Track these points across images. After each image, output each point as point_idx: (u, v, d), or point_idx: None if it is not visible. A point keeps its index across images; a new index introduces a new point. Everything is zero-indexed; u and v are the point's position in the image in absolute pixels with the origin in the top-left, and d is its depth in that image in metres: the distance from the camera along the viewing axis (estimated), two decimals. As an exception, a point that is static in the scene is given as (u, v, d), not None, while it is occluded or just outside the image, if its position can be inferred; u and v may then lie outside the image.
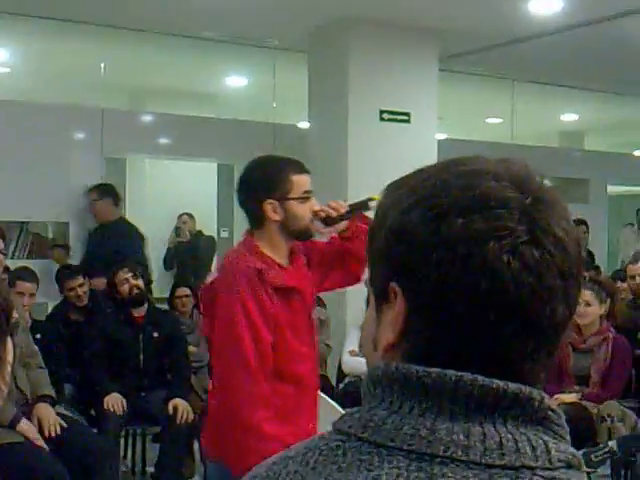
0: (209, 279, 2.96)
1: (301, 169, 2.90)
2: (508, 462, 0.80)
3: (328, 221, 2.94)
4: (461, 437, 0.81)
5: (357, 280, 3.18)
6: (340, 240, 3.05)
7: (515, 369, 0.85)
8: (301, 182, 2.86)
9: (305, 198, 2.86)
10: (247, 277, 2.74)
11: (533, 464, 0.81)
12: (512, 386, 0.83)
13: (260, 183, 2.86)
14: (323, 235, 3.12)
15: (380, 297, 0.91)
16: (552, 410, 0.86)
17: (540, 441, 0.83)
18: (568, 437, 0.87)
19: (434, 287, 0.85)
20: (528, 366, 0.86)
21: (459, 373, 0.82)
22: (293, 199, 2.83)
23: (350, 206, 3.00)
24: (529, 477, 0.80)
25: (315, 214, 2.91)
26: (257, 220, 2.87)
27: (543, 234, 0.84)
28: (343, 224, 3.00)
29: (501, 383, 0.83)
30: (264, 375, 2.74)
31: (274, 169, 2.88)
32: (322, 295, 6.60)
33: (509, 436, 0.82)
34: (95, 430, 5.21)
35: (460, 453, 0.80)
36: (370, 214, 3.06)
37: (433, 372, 0.83)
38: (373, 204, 2.98)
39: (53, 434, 4.51)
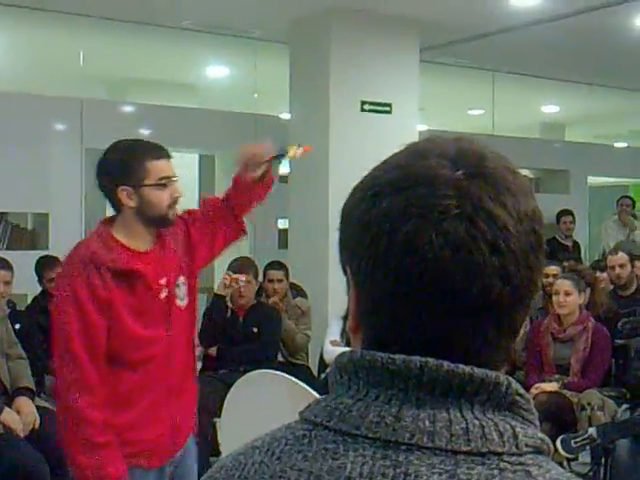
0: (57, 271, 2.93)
1: (159, 154, 2.81)
2: (474, 448, 0.79)
3: (255, 162, 3.00)
4: (427, 423, 0.80)
5: (237, 235, 3.21)
6: (252, 182, 3.04)
7: (464, 352, 0.83)
8: (158, 168, 2.77)
9: (161, 185, 2.78)
10: (82, 261, 2.69)
11: (500, 450, 0.80)
12: (478, 371, 0.81)
13: (115, 169, 2.78)
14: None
15: (346, 280, 0.91)
16: (520, 395, 0.84)
17: (507, 426, 0.81)
18: (537, 422, 0.86)
19: (367, 267, 0.85)
20: (476, 348, 0.84)
21: (424, 359, 0.81)
22: (148, 186, 2.76)
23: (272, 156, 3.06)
24: (496, 463, 0.79)
25: (243, 154, 2.99)
26: (113, 205, 2.81)
27: (473, 209, 0.82)
28: (263, 168, 3.03)
29: (467, 368, 0.81)
30: (94, 361, 2.68)
31: (129, 155, 2.79)
32: (304, 286, 6.63)
33: (475, 422, 0.80)
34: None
35: (426, 440, 0.79)
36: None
37: (398, 358, 0.82)
38: (290, 154, 3.10)
39: (31, 427, 4.49)
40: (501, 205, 0.83)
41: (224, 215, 3.10)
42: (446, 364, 0.81)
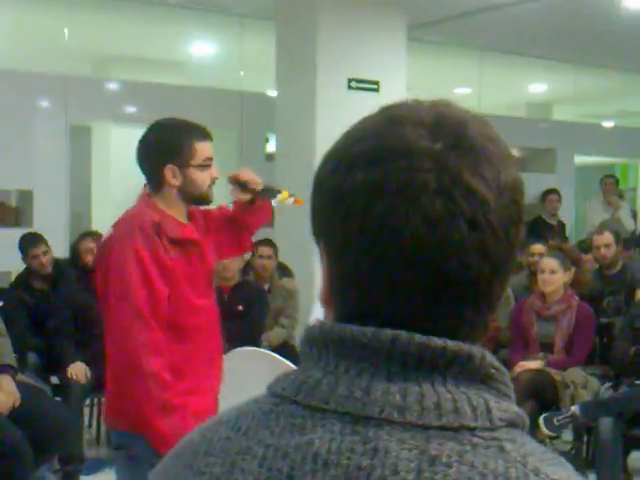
0: (104, 236, 2.92)
1: (204, 136, 2.86)
2: (446, 423, 0.77)
3: (246, 190, 2.98)
4: (397, 398, 0.78)
5: (242, 251, 3.35)
6: (242, 211, 3.09)
7: (438, 328, 0.80)
8: (203, 149, 2.83)
9: (206, 165, 2.84)
10: (142, 229, 2.73)
11: (472, 424, 0.78)
12: (451, 344, 0.79)
13: (161, 148, 2.83)
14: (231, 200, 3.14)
15: (319, 253, 0.89)
16: (495, 368, 0.82)
17: (481, 400, 0.79)
18: (512, 395, 0.84)
19: (340, 243, 0.83)
20: (451, 324, 0.81)
21: (396, 331, 0.79)
22: (194, 166, 2.81)
23: (265, 186, 3.05)
24: (468, 438, 0.77)
25: (237, 176, 2.96)
26: (156, 183, 2.85)
27: (451, 183, 0.79)
28: (247, 197, 3.03)
29: (439, 340, 0.79)
30: (159, 326, 2.73)
31: (177, 134, 2.84)
32: (291, 265, 6.61)
33: (448, 395, 0.78)
34: (59, 399, 5.19)
35: (396, 415, 0.77)
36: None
37: (368, 331, 0.80)
38: (279, 197, 3.05)
39: (13, 405, 4.46)
40: (481, 178, 0.80)
41: (233, 229, 3.14)
42: (418, 337, 0.79)
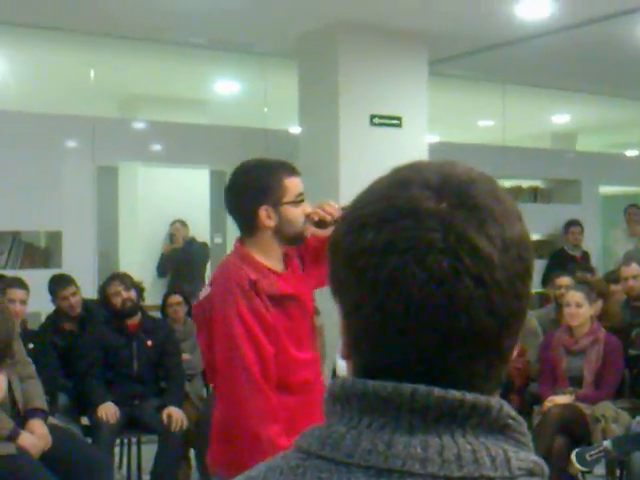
0: (202, 294, 2.83)
1: (292, 171, 2.80)
2: (467, 473, 0.80)
3: (322, 225, 2.85)
4: (419, 450, 0.80)
5: None
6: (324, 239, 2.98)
7: (454, 382, 0.83)
8: (294, 185, 2.77)
9: (299, 201, 2.78)
10: (241, 288, 2.66)
11: (492, 474, 0.80)
12: (469, 396, 0.82)
13: (253, 189, 2.74)
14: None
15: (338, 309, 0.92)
16: (512, 417, 0.85)
17: (500, 450, 0.82)
18: (531, 444, 0.87)
19: (354, 299, 0.86)
20: (466, 378, 0.84)
21: (415, 385, 0.82)
22: (287, 203, 2.75)
23: (342, 209, 2.91)
24: None
25: (308, 217, 2.82)
26: (250, 227, 2.78)
27: (457, 242, 0.82)
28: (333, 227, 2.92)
29: (457, 393, 0.82)
30: (270, 387, 2.67)
31: (266, 173, 2.76)
32: (316, 302, 6.62)
33: (467, 447, 0.81)
34: (89, 440, 5.22)
35: (418, 467, 0.80)
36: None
37: (388, 386, 0.83)
38: None
39: (45, 449, 4.50)
40: (485, 236, 0.83)
41: (317, 260, 3.03)
42: (437, 390, 0.82)
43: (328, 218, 2.84)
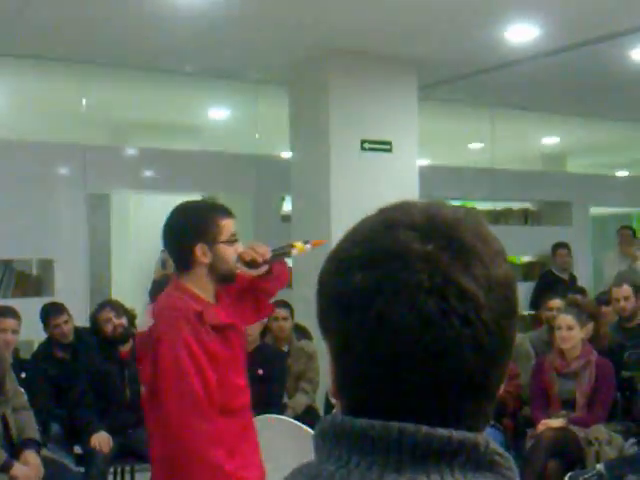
0: (144, 324, 2.96)
1: (227, 213, 3.00)
2: None
3: (252, 265, 3.04)
4: None
5: (264, 316, 3.54)
6: (258, 280, 3.17)
7: (442, 420, 0.84)
8: (228, 226, 2.97)
9: (233, 241, 2.97)
10: (187, 319, 2.83)
11: None
12: (456, 434, 0.83)
13: (191, 228, 2.95)
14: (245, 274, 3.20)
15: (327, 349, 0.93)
16: (499, 454, 0.86)
17: None
18: (517, 479, 0.88)
19: (342, 339, 0.87)
20: (454, 417, 0.85)
21: (403, 424, 0.83)
22: (222, 242, 2.94)
23: (273, 251, 3.12)
24: None
25: (240, 257, 3.01)
26: (186, 263, 2.96)
27: (443, 283, 0.83)
28: (264, 267, 3.11)
29: (445, 431, 0.83)
30: (214, 413, 2.80)
31: (203, 214, 2.99)
32: (308, 327, 6.62)
33: None
34: (82, 469, 5.19)
35: None
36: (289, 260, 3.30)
37: (377, 424, 0.84)
38: (295, 252, 3.11)
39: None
40: (472, 276, 0.84)
41: (252, 295, 3.23)
42: (424, 428, 0.83)
43: (259, 259, 3.04)
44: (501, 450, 0.86)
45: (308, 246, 3.17)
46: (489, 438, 0.86)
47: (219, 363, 2.86)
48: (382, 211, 0.92)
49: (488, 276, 0.85)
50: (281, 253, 3.16)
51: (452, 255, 0.85)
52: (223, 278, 3.00)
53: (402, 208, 0.91)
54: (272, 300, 3.35)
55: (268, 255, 3.07)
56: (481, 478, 0.83)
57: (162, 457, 2.90)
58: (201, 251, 2.91)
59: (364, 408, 0.86)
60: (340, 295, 0.87)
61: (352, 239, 0.91)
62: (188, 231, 2.95)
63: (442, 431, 0.83)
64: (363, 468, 0.83)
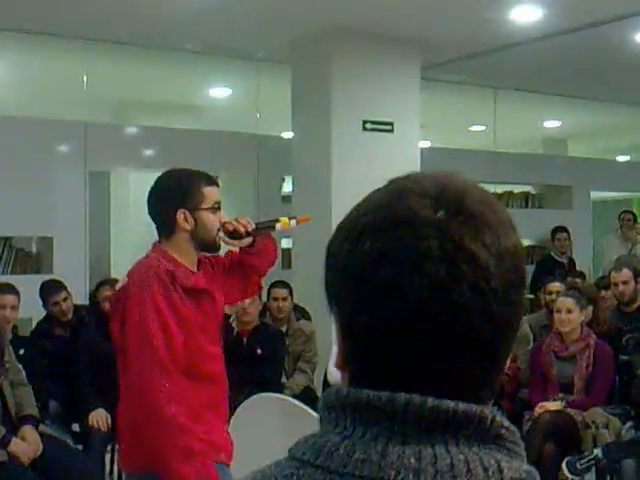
0: (118, 285, 2.98)
1: (211, 181, 3.00)
2: None
3: (234, 235, 3.03)
4: (412, 460, 0.81)
5: (258, 291, 3.45)
6: (244, 254, 3.16)
7: (449, 390, 0.84)
8: (212, 193, 2.96)
9: (215, 209, 2.96)
10: (158, 277, 2.81)
11: None
12: (462, 406, 0.83)
13: (174, 192, 2.95)
14: (233, 248, 3.19)
15: (333, 318, 0.92)
16: (505, 427, 0.85)
17: (492, 461, 0.82)
18: (524, 453, 0.87)
19: (351, 308, 0.87)
20: (461, 387, 0.85)
21: (409, 395, 0.82)
22: (204, 209, 2.93)
23: (257, 224, 3.11)
24: None
25: (223, 226, 3.00)
26: (168, 229, 2.95)
27: (454, 249, 0.83)
28: (247, 239, 3.09)
29: (451, 403, 0.82)
30: (176, 372, 2.80)
31: (187, 180, 2.97)
32: (307, 306, 6.63)
33: (461, 457, 0.81)
34: (80, 447, 5.20)
35: (411, 477, 0.80)
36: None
37: (383, 395, 0.83)
38: (279, 227, 3.08)
39: (35, 456, 4.50)
40: (482, 244, 0.84)
41: (241, 273, 3.22)
42: (430, 400, 0.82)
43: (241, 230, 3.04)
44: (507, 423, 0.86)
45: (293, 222, 3.15)
46: (496, 411, 0.85)
47: (189, 326, 2.85)
48: (392, 181, 0.92)
49: (498, 245, 0.85)
50: (265, 227, 3.14)
51: (463, 222, 0.84)
52: (205, 246, 2.99)
53: (412, 177, 0.91)
54: (268, 278, 3.33)
55: (250, 227, 3.06)
56: (486, 450, 0.83)
57: (126, 417, 2.92)
58: (183, 216, 2.91)
59: (371, 379, 0.86)
60: (349, 263, 0.87)
61: (362, 208, 0.90)
62: (171, 196, 2.95)
63: (448, 403, 0.82)
64: (368, 439, 0.83)
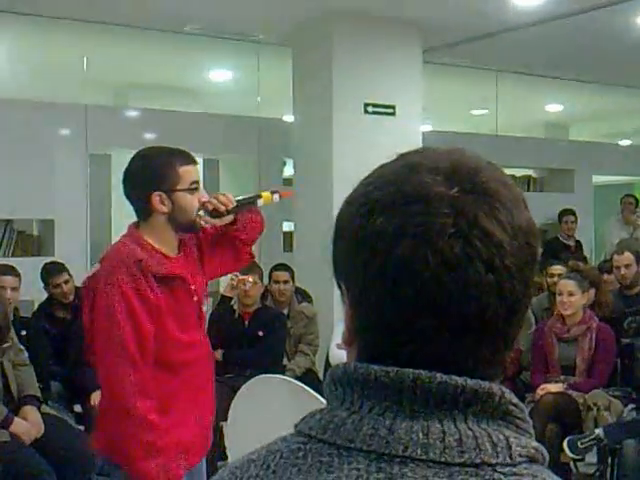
0: (92, 270, 2.91)
1: (188, 160, 2.86)
2: (468, 459, 0.80)
3: (215, 214, 2.92)
4: (420, 435, 0.80)
5: (247, 261, 3.27)
6: (227, 230, 3.05)
7: (458, 368, 0.83)
8: (188, 173, 2.83)
9: (193, 189, 2.84)
10: (127, 266, 2.72)
11: (493, 460, 0.80)
12: (471, 382, 0.82)
13: (147, 175, 2.82)
14: (207, 225, 3.05)
15: (341, 295, 0.91)
16: (514, 404, 0.85)
17: (501, 436, 0.82)
18: (532, 430, 0.87)
19: (361, 284, 0.86)
20: (471, 364, 0.84)
21: (417, 371, 0.82)
22: (181, 190, 2.81)
23: (238, 202, 3.00)
24: (489, 474, 0.80)
25: (203, 205, 2.88)
26: (144, 212, 2.85)
27: (468, 227, 0.82)
28: (229, 217, 2.98)
29: (460, 379, 0.82)
30: (146, 364, 2.72)
31: (161, 160, 2.84)
32: (309, 289, 6.63)
33: (469, 433, 0.81)
34: (82, 427, 5.21)
35: (419, 452, 0.80)
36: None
37: (391, 371, 0.83)
38: (261, 202, 3.00)
39: (37, 436, 4.52)
40: (496, 221, 0.83)
41: (229, 244, 3.11)
42: (439, 376, 0.82)
43: (222, 208, 2.92)
44: (516, 400, 0.86)
45: (276, 196, 3.07)
46: (504, 388, 0.85)
47: (160, 314, 2.76)
48: (403, 156, 0.90)
49: (512, 222, 0.84)
50: (246, 202, 3.03)
51: (477, 199, 0.84)
52: (183, 227, 2.88)
53: (424, 153, 0.90)
54: (252, 247, 3.23)
55: (231, 204, 2.95)
56: (495, 427, 0.83)
57: (101, 408, 2.90)
58: (158, 199, 2.79)
59: (379, 355, 0.85)
60: (361, 239, 0.85)
61: (371, 183, 0.89)
62: (145, 178, 2.82)
63: (456, 379, 0.82)
64: (376, 414, 0.83)
